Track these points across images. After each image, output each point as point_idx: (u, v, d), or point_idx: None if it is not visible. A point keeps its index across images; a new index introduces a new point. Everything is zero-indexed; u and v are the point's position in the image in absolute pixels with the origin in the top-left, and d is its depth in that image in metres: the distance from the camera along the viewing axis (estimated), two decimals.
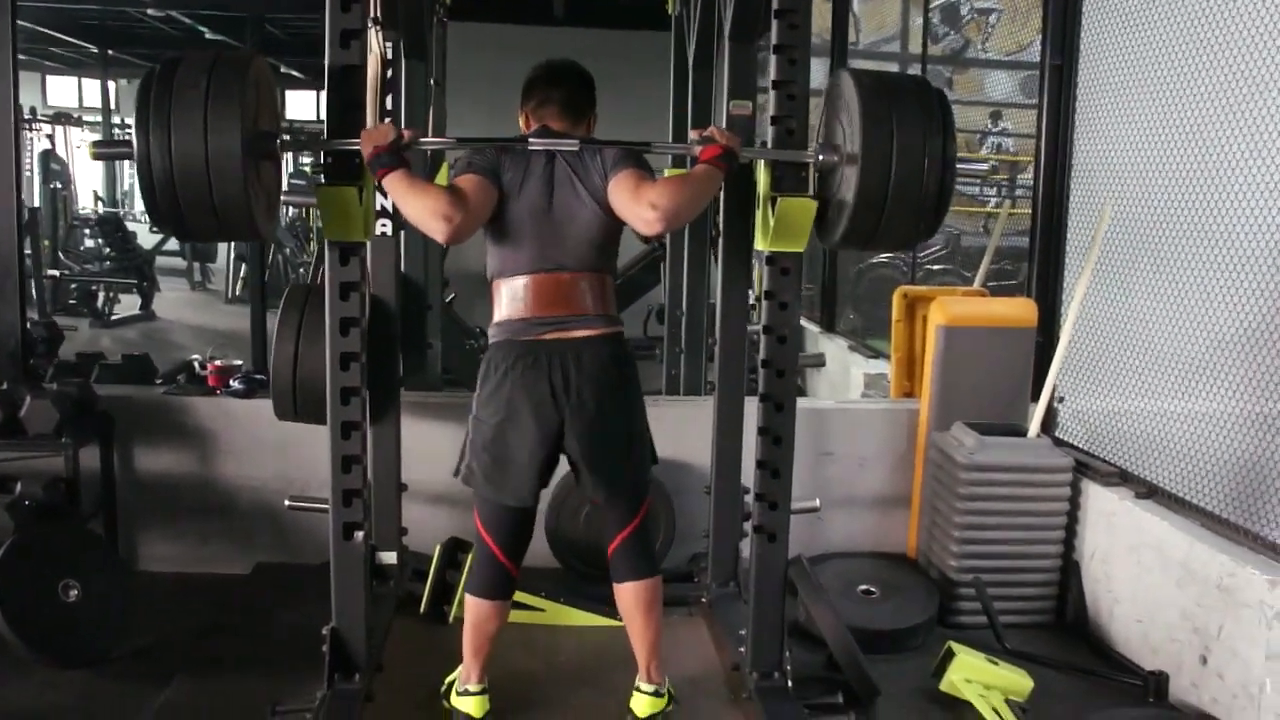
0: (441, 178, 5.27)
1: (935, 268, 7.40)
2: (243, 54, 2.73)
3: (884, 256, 7.96)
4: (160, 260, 11.37)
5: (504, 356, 2.73)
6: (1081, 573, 3.73)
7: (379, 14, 3.32)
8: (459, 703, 2.92)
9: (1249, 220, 3.12)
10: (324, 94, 2.80)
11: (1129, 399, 3.75)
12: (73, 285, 10.38)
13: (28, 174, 10.38)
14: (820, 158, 2.87)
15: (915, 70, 6.50)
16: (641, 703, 2.93)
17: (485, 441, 2.76)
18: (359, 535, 2.93)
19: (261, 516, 3.98)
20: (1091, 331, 3.95)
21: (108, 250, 10.71)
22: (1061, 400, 4.12)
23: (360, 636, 2.97)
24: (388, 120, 2.74)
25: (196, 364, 5.04)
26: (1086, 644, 3.62)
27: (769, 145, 2.95)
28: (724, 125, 3.35)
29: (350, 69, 2.78)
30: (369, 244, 3.60)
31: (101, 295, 10.31)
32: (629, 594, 2.90)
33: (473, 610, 2.89)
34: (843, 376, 6.46)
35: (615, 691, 3.04)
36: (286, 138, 2.76)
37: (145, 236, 11.17)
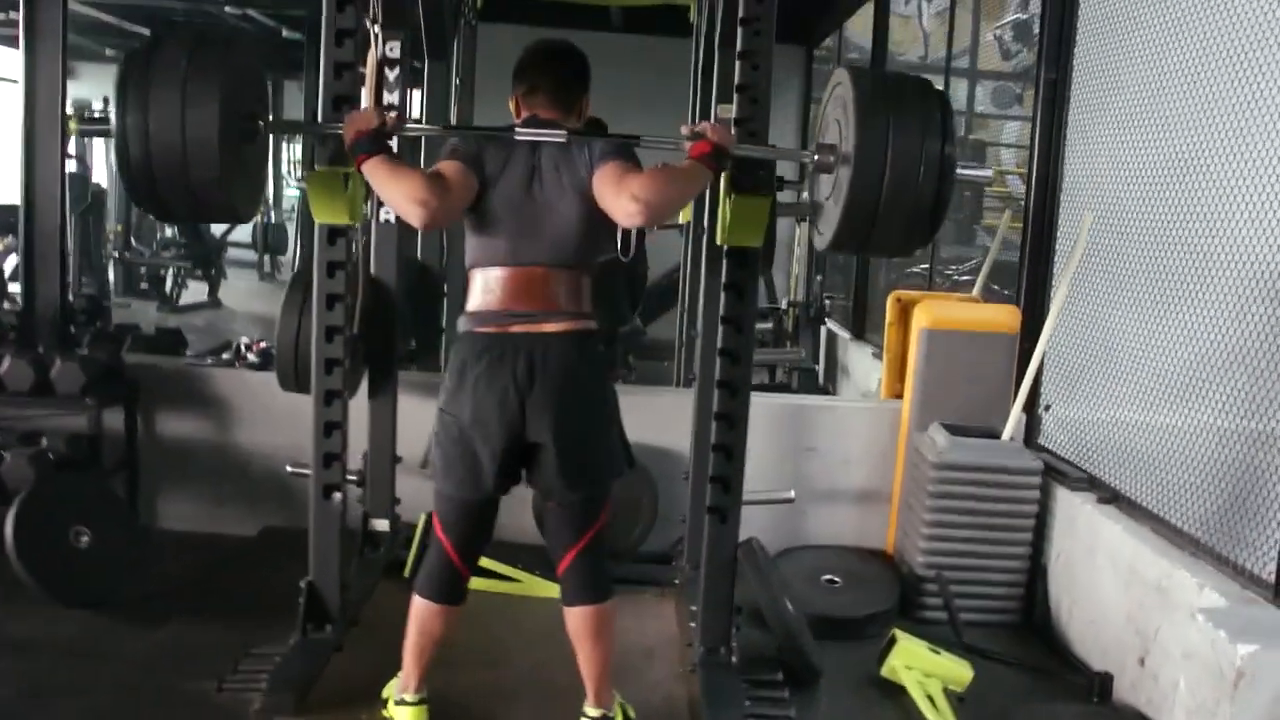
0: None
1: (963, 279, 7.41)
2: (223, 35, 2.87)
3: (919, 267, 8.02)
4: (233, 252, 11.77)
5: (469, 350, 2.66)
6: (1048, 575, 3.81)
7: (378, 14, 3.53)
8: (395, 713, 2.84)
9: (1231, 241, 3.13)
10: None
11: (1110, 409, 3.82)
12: (143, 270, 10.84)
13: (99, 158, 10.79)
14: (815, 157, 2.87)
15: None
16: None
17: (449, 437, 2.69)
18: (337, 496, 3.16)
19: (271, 482, 4.18)
20: (1077, 343, 4.02)
21: (178, 238, 11.14)
22: (1048, 408, 4.19)
23: (335, 590, 3.20)
24: (371, 105, 2.77)
25: (242, 345, 5.31)
26: (1047, 645, 3.70)
27: None
28: None
29: (343, 65, 3.00)
30: (374, 230, 3.85)
31: (170, 281, 10.75)
32: (578, 619, 2.77)
33: (419, 613, 2.78)
34: (865, 380, 6.58)
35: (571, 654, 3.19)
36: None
37: (216, 225, 11.52)
